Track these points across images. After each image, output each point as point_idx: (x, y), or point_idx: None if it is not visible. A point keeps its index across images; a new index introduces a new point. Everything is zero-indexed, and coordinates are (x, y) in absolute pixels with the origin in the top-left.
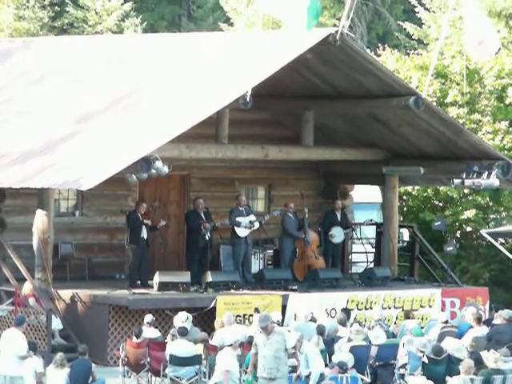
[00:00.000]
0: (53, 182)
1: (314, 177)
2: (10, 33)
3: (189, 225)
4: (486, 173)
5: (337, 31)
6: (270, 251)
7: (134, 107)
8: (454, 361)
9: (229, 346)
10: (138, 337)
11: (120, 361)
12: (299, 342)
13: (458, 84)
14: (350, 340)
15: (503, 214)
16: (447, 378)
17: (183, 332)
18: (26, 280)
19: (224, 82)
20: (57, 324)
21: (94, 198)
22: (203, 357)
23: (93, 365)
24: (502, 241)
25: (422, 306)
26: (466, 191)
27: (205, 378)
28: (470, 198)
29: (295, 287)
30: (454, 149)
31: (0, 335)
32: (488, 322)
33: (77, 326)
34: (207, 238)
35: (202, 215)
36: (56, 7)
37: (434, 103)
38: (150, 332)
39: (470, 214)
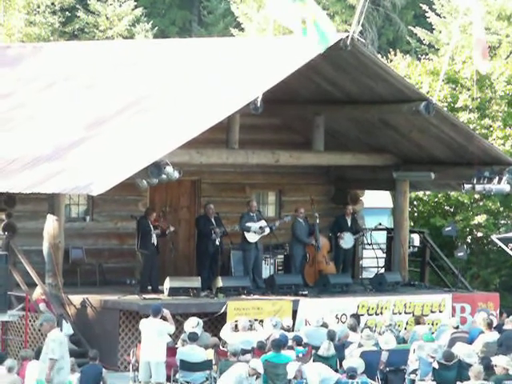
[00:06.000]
0: (63, 188)
1: (324, 182)
2: (20, 38)
3: (199, 230)
4: (497, 178)
5: (347, 36)
6: (281, 256)
7: (145, 112)
8: (464, 366)
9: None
10: None
11: (130, 366)
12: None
13: (468, 89)
14: (360, 345)
15: None
16: (458, 383)
17: (194, 337)
18: (36, 285)
19: (235, 88)
20: (67, 329)
21: (105, 204)
22: (214, 362)
23: (103, 370)
24: None
25: (432, 312)
26: (477, 196)
27: (215, 383)
28: (481, 203)
29: (306, 292)
30: (465, 154)
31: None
32: (499, 328)
33: (87, 332)
34: (217, 243)
35: (213, 220)
36: (67, 12)
37: (445, 108)
38: None
39: (480, 219)
